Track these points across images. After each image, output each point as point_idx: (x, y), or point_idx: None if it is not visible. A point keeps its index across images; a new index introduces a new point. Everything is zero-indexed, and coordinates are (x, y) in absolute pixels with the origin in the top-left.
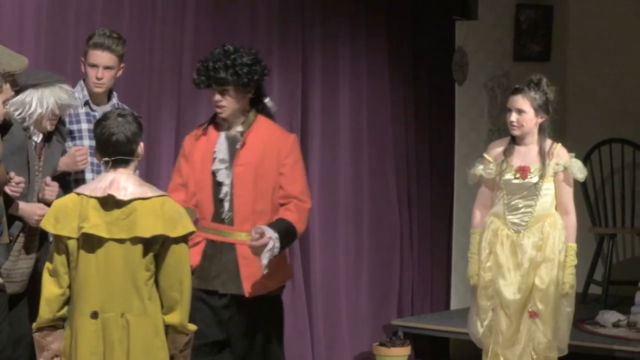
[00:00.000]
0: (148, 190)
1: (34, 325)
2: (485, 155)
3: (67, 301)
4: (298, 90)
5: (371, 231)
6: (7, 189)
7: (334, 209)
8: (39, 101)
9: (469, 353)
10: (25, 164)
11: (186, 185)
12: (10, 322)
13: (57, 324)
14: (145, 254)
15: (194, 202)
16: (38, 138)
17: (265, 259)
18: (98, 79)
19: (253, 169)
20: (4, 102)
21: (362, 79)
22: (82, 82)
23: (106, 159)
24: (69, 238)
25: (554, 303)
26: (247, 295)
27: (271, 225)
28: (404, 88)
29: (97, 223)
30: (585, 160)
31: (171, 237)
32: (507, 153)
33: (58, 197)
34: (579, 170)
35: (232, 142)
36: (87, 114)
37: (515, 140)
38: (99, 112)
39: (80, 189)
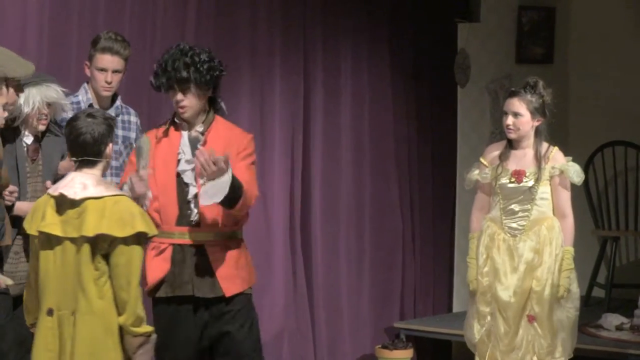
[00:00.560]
0: (103, 190)
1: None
2: (481, 159)
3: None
4: (300, 91)
5: (373, 233)
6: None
7: (335, 211)
8: (26, 100)
9: (471, 356)
10: (15, 165)
11: None
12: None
13: None
14: (93, 253)
15: (155, 207)
16: (29, 139)
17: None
18: (108, 82)
19: None
20: (3, 106)
21: (364, 80)
22: (85, 84)
23: (74, 159)
24: (35, 237)
25: (551, 306)
26: (226, 295)
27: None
28: (406, 90)
29: (53, 222)
30: (588, 162)
31: (119, 238)
32: (503, 157)
33: None
34: (575, 174)
35: (194, 143)
36: None
37: (511, 144)
38: None
39: (50, 188)
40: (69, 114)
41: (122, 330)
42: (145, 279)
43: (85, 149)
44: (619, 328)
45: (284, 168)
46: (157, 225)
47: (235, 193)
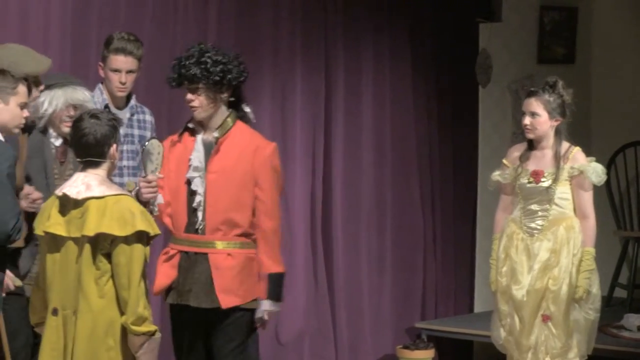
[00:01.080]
0: (106, 190)
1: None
2: (504, 160)
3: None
4: (321, 92)
5: (394, 233)
6: (23, 203)
7: (356, 211)
8: (50, 101)
9: (492, 356)
10: (43, 167)
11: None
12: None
13: None
14: (94, 252)
15: (168, 212)
16: (58, 141)
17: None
18: (122, 83)
19: (227, 177)
20: (20, 105)
21: (385, 80)
22: (100, 85)
23: (78, 159)
24: (41, 237)
25: (566, 306)
26: (223, 307)
27: (269, 294)
28: (427, 90)
29: (57, 222)
30: (610, 163)
31: (120, 237)
32: (523, 158)
33: None
34: (595, 175)
35: (208, 149)
36: None
37: (532, 145)
38: (119, 115)
39: (57, 189)
40: None
41: (125, 329)
42: (152, 283)
43: (89, 150)
44: None
45: (305, 168)
46: (170, 232)
47: (280, 283)
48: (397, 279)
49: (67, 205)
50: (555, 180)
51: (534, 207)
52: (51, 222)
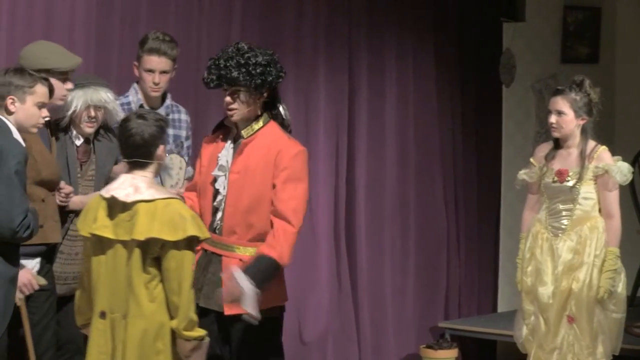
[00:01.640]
0: (155, 193)
1: (77, 323)
2: (531, 159)
3: None
4: (344, 91)
5: (417, 233)
6: (57, 197)
7: (380, 211)
8: (70, 102)
9: (516, 356)
10: (66, 165)
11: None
12: (60, 323)
13: None
14: (144, 256)
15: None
16: (79, 141)
17: (247, 308)
18: (155, 83)
19: (248, 177)
20: (37, 104)
21: (409, 80)
22: (135, 85)
23: (125, 160)
24: (87, 238)
25: (589, 307)
26: (225, 313)
27: (248, 269)
28: (451, 89)
29: (105, 224)
30: (634, 162)
31: (170, 241)
32: (549, 157)
33: None
34: (619, 174)
35: (237, 148)
36: None
37: (558, 143)
38: None
39: (102, 190)
40: (121, 116)
41: (174, 333)
42: None
43: (136, 151)
44: None
45: (328, 168)
46: None
47: (273, 275)
48: (421, 278)
49: (115, 207)
50: (580, 180)
51: (558, 206)
52: (98, 224)
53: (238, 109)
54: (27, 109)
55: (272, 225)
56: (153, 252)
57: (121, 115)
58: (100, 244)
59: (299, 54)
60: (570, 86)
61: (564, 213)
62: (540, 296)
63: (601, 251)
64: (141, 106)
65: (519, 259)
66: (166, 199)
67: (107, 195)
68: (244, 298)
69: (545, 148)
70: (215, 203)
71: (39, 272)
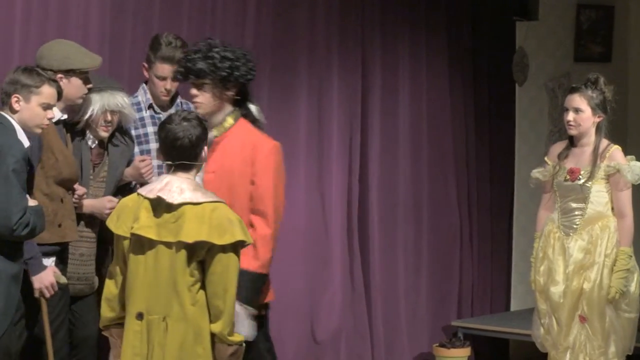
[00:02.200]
0: (201, 196)
1: (100, 324)
2: (545, 158)
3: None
4: (358, 90)
5: (431, 232)
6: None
7: (393, 210)
8: (87, 106)
9: (529, 354)
10: (79, 167)
11: None
12: (75, 323)
13: (123, 322)
14: (189, 259)
15: None
16: (93, 143)
17: (242, 331)
18: (167, 90)
19: (225, 176)
20: (42, 105)
21: (422, 79)
22: (144, 85)
23: (169, 162)
24: (125, 238)
25: (600, 307)
26: None
27: None
28: (464, 88)
29: (147, 224)
30: None
31: (217, 245)
32: (562, 155)
33: None
34: (630, 173)
35: (209, 148)
36: (152, 117)
37: (572, 142)
38: (163, 115)
39: (141, 189)
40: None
41: (212, 337)
42: None
43: (183, 153)
44: None
45: (342, 166)
46: None
47: (260, 285)
48: (434, 277)
49: (160, 208)
50: (591, 178)
51: (570, 205)
52: (141, 224)
53: (203, 102)
54: (32, 109)
55: (251, 224)
56: (199, 256)
57: (135, 119)
58: (140, 244)
59: (312, 52)
60: (585, 84)
61: (576, 212)
62: (551, 295)
63: (612, 251)
64: (150, 106)
65: (533, 258)
66: (213, 203)
67: (152, 196)
68: (237, 322)
69: (559, 147)
70: None
71: None
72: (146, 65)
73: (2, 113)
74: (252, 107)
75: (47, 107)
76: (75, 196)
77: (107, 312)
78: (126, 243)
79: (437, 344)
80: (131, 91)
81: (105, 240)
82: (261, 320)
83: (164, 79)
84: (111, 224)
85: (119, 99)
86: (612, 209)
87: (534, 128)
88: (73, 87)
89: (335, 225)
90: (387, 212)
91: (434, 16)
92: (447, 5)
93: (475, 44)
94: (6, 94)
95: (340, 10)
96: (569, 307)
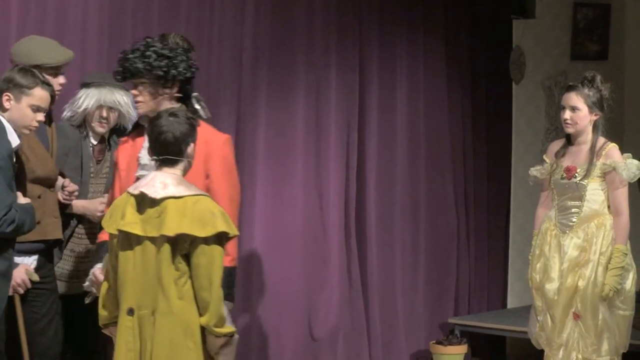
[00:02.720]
0: (184, 190)
1: (99, 322)
2: (544, 156)
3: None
4: (355, 88)
5: (428, 230)
6: (59, 195)
7: (390, 208)
8: (83, 100)
9: (525, 352)
10: (79, 165)
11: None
12: (76, 323)
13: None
14: (173, 253)
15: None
16: (95, 140)
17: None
18: None
19: None
20: (32, 107)
21: (419, 77)
22: None
23: (155, 157)
24: (114, 236)
25: (594, 305)
26: None
27: None
28: (461, 86)
29: (133, 221)
30: None
31: (200, 237)
32: (559, 154)
33: None
34: (626, 171)
35: None
36: None
37: (569, 140)
38: None
39: (130, 187)
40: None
41: (203, 331)
42: None
43: (167, 148)
44: None
45: (339, 164)
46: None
47: (232, 279)
48: (431, 274)
49: (144, 204)
50: (587, 176)
51: (567, 203)
52: (126, 220)
53: (143, 102)
54: (21, 109)
55: None
56: (182, 249)
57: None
58: (128, 241)
59: (310, 51)
60: (582, 82)
61: (572, 210)
62: (546, 292)
63: (607, 249)
64: None
65: (531, 255)
66: (195, 196)
67: (136, 192)
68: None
69: (557, 145)
70: None
71: (37, 270)
72: None
73: None
74: (196, 104)
75: (37, 109)
76: (65, 193)
77: (103, 310)
78: (115, 241)
79: (434, 341)
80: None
81: None
82: None
83: None
84: (104, 223)
85: (116, 96)
86: (608, 207)
87: (530, 126)
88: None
89: (333, 223)
90: (385, 210)
91: (431, 15)
92: (445, 3)
93: (473, 43)
94: None
95: (338, 8)
96: (564, 305)
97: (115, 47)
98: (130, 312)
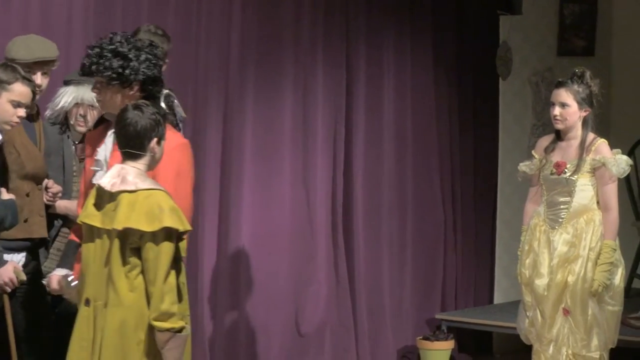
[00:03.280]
0: (139, 183)
1: None
2: (533, 152)
3: None
4: (342, 84)
5: (415, 226)
6: (44, 196)
7: (377, 204)
8: (61, 97)
9: (512, 347)
10: (62, 164)
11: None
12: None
13: None
14: (123, 246)
15: (81, 204)
16: (77, 139)
17: None
18: None
19: None
20: (12, 102)
21: (407, 73)
22: None
23: (119, 150)
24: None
25: (583, 300)
26: None
27: None
28: (448, 83)
29: (93, 213)
30: (630, 155)
31: (148, 232)
32: (548, 149)
33: None
34: (615, 166)
35: (114, 142)
36: None
37: (559, 136)
38: None
39: (96, 179)
40: None
41: None
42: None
43: (129, 141)
44: None
45: (326, 161)
46: None
47: None
48: (418, 270)
49: (104, 196)
50: (576, 172)
51: (556, 198)
52: (87, 212)
53: (102, 101)
54: (1, 105)
55: None
56: (132, 243)
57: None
58: (91, 232)
59: (297, 48)
60: (571, 78)
61: (561, 206)
62: (536, 288)
63: (596, 244)
64: None
65: (520, 251)
66: (148, 190)
67: (97, 185)
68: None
69: (546, 140)
70: None
71: (24, 267)
72: None
73: None
74: (163, 104)
75: (18, 105)
76: (49, 194)
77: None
78: (82, 231)
79: (421, 337)
80: None
81: None
82: None
83: None
84: (80, 214)
85: (94, 94)
86: (598, 202)
87: (517, 122)
88: None
89: (320, 219)
90: (372, 206)
91: (418, 11)
92: (432, 0)
93: (460, 38)
94: None
95: (325, 5)
96: (553, 300)
97: None
98: (87, 302)
